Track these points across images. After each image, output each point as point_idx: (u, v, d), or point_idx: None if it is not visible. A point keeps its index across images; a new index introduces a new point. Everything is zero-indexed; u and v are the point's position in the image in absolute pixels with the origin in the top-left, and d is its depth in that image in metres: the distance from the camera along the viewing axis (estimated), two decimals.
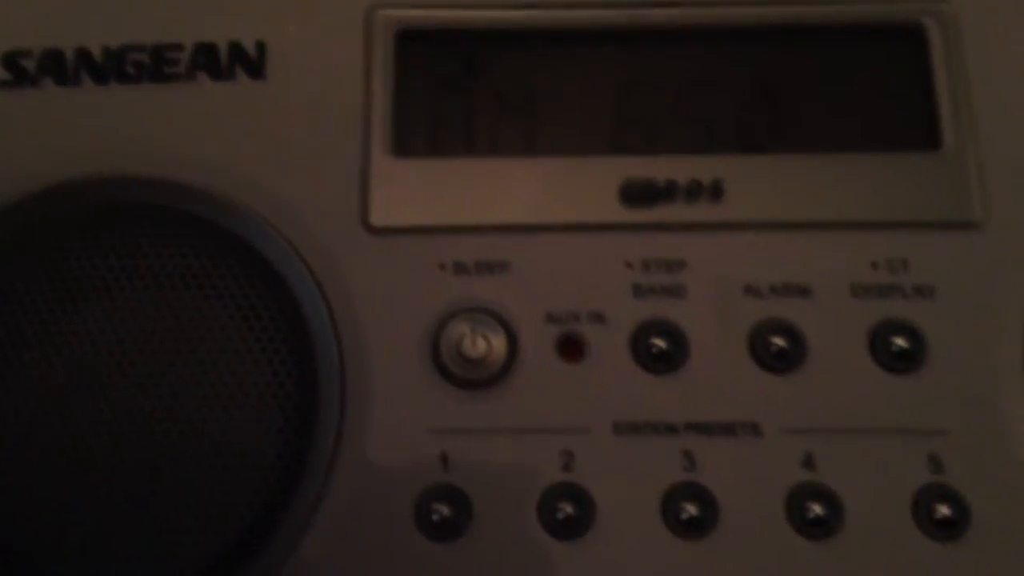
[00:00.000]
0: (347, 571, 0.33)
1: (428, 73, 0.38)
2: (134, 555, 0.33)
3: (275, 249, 0.35)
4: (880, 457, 0.33)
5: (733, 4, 0.38)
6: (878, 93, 0.37)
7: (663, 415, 0.34)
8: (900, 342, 0.34)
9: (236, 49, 0.38)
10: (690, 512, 0.33)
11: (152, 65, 0.38)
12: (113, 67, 0.38)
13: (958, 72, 0.37)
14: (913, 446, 0.34)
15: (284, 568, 0.33)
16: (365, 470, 0.34)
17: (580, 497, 0.33)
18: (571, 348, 0.35)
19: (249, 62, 0.38)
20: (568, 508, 0.33)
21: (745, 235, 0.36)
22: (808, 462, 0.34)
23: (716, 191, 0.36)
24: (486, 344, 0.34)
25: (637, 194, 0.36)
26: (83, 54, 0.38)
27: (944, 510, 0.33)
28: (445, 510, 0.33)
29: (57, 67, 0.38)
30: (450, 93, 0.38)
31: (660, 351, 0.34)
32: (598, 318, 0.35)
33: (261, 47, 0.38)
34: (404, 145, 0.37)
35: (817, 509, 0.33)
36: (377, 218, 0.36)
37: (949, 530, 0.33)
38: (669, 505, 0.33)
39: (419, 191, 0.36)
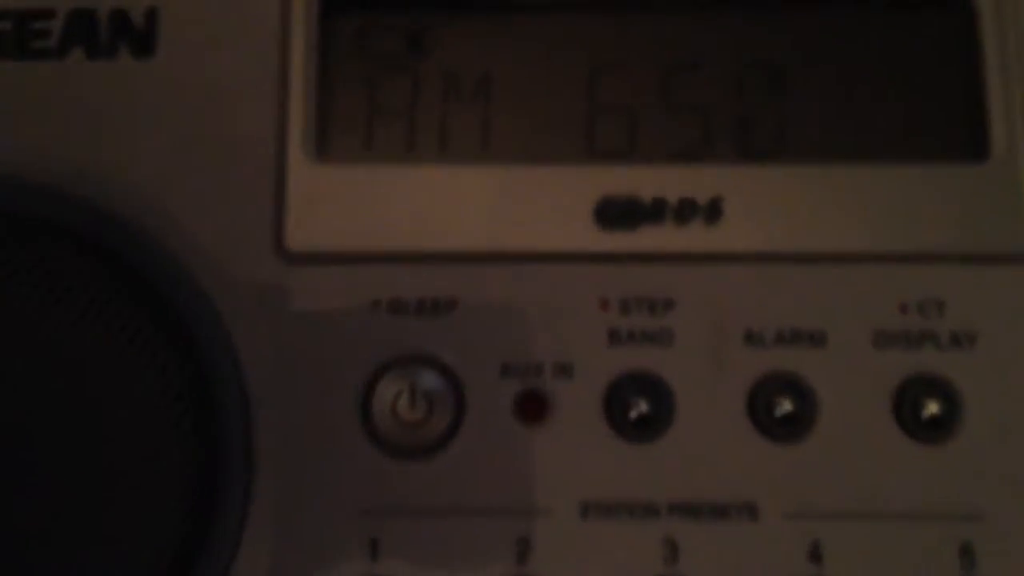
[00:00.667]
0: None
1: (361, 51, 0.30)
2: None
3: (167, 278, 0.28)
4: (902, 548, 0.27)
5: None
6: (911, 85, 0.30)
7: (641, 493, 0.27)
8: (932, 407, 0.28)
9: (119, 18, 0.30)
10: None
11: (15, 37, 0.30)
12: None
13: (1014, 59, 0.30)
14: (943, 534, 0.27)
15: None
16: (276, 560, 0.27)
17: None
18: (531, 408, 0.28)
19: (135, 35, 0.30)
20: None
21: (747, 268, 0.28)
22: (815, 553, 0.27)
23: (713, 212, 0.29)
24: (427, 403, 0.28)
25: (616, 214, 0.29)
26: None
27: None
28: None
29: None
30: (389, 77, 0.30)
31: (640, 414, 0.28)
32: (565, 371, 0.28)
33: (151, 16, 0.30)
34: (329, 146, 0.30)
35: None
36: (294, 241, 0.29)
37: None
38: None
39: (347, 206, 0.29)
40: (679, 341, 0.28)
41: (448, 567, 0.27)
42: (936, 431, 0.28)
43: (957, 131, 0.30)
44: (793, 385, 0.28)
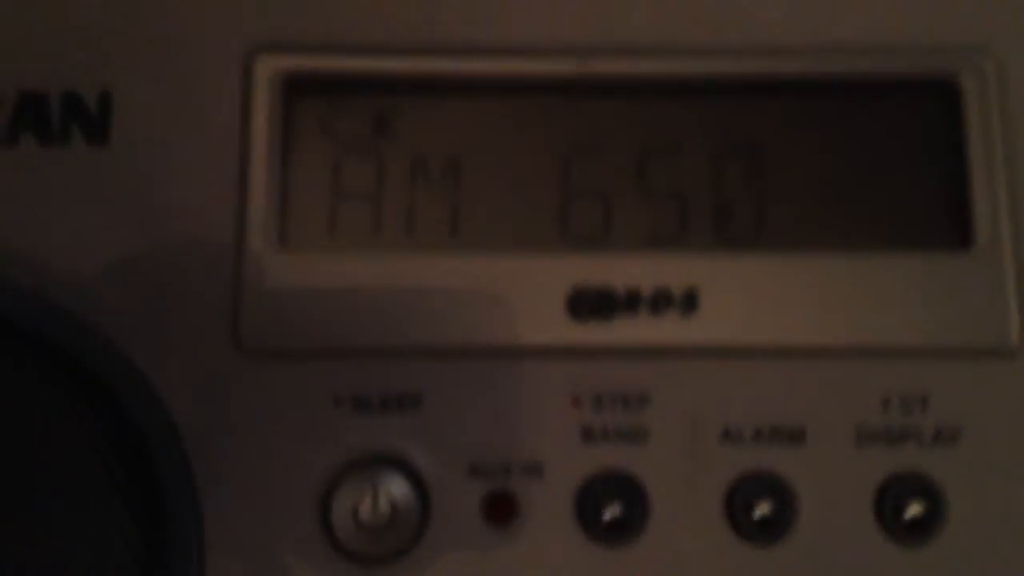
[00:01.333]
0: None
1: (325, 134, 0.29)
2: None
3: (118, 376, 0.27)
4: None
5: (708, 54, 0.29)
6: (892, 170, 0.29)
7: None
8: (915, 507, 0.26)
9: (72, 102, 0.28)
10: None
11: None
12: None
13: (998, 147, 0.29)
14: None
15: None
16: None
17: None
18: (500, 510, 0.26)
19: (89, 121, 0.28)
20: None
21: (723, 362, 0.27)
22: None
23: (688, 302, 0.28)
24: (390, 507, 0.26)
25: (589, 305, 0.28)
26: None
27: None
28: None
29: None
30: (353, 160, 0.29)
31: (614, 516, 0.26)
32: (535, 471, 0.27)
33: (105, 100, 0.28)
34: (291, 233, 0.28)
35: None
36: (252, 336, 0.27)
37: None
38: None
39: (309, 298, 0.27)
40: (654, 439, 0.27)
41: None
42: (919, 533, 0.26)
43: (940, 218, 0.29)
44: (772, 485, 0.26)
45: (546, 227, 0.28)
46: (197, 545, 0.26)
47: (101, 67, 0.28)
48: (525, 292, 0.28)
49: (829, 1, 0.29)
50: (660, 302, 0.27)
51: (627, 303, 0.28)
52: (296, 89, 0.29)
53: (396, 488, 0.26)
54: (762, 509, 0.26)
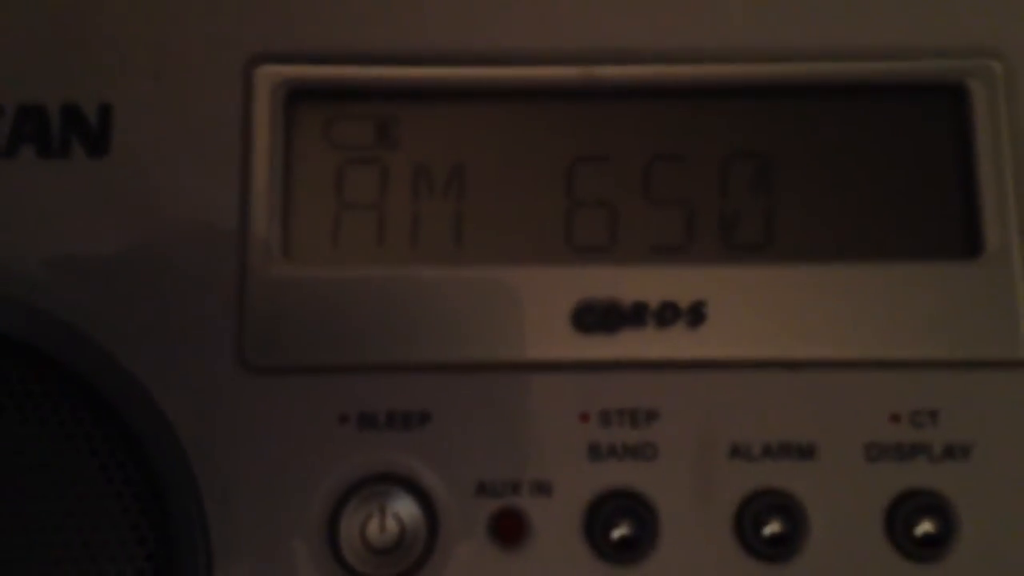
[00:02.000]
0: None
1: (328, 142, 0.28)
2: None
3: (121, 395, 0.26)
4: None
5: (713, 59, 0.28)
6: (901, 177, 0.28)
7: None
8: (926, 524, 0.26)
9: (71, 114, 0.27)
10: None
11: None
12: None
13: (1008, 154, 0.28)
14: None
15: None
16: None
17: None
18: (508, 528, 0.25)
19: (89, 133, 0.27)
20: None
21: (732, 375, 0.26)
22: None
23: (695, 315, 0.27)
24: (398, 527, 0.26)
25: (595, 319, 0.27)
26: None
27: None
28: None
29: None
30: (356, 170, 0.28)
31: (623, 535, 0.26)
32: (543, 489, 0.26)
33: (105, 112, 0.27)
34: (294, 245, 0.27)
35: None
36: (256, 353, 0.26)
37: None
38: None
39: (313, 313, 0.26)
40: (663, 455, 0.26)
41: None
42: (930, 550, 0.25)
43: (949, 225, 0.28)
44: (782, 502, 0.26)
45: (551, 238, 0.27)
46: (204, 567, 0.25)
47: (101, 79, 0.27)
48: (530, 305, 0.27)
49: (836, 6, 0.28)
50: (667, 315, 0.27)
51: (633, 316, 0.27)
52: (297, 99, 0.27)
53: (403, 507, 0.25)
54: (772, 527, 0.25)
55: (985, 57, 0.28)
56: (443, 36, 0.28)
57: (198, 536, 0.25)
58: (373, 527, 0.25)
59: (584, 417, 0.26)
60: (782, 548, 0.25)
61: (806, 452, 0.26)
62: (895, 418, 0.26)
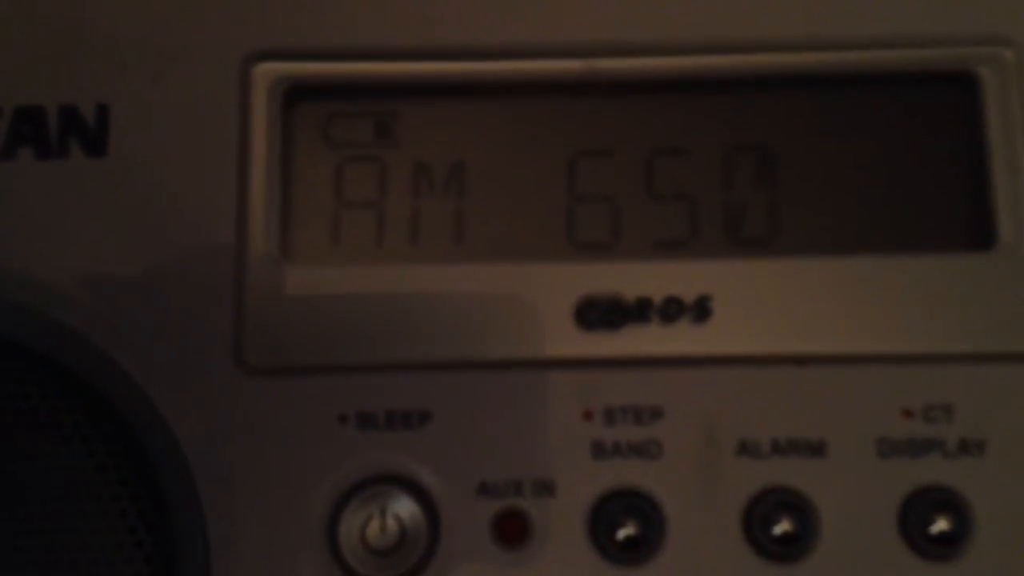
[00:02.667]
0: None
1: (327, 140, 0.27)
2: None
3: (121, 395, 0.25)
4: None
5: (715, 50, 0.27)
6: (910, 167, 0.27)
7: None
8: (941, 522, 0.24)
9: (69, 115, 0.27)
10: None
11: None
12: None
13: (1020, 142, 0.26)
14: None
15: None
16: None
17: None
18: (511, 529, 0.24)
19: (87, 133, 0.26)
20: None
21: (738, 371, 0.25)
22: None
23: (701, 310, 0.26)
24: (399, 528, 0.25)
25: (598, 315, 0.26)
26: None
27: None
28: None
29: None
30: (356, 167, 0.27)
31: (628, 535, 0.24)
32: (546, 488, 0.25)
33: (102, 113, 0.27)
34: (293, 244, 0.26)
35: None
36: (255, 353, 0.25)
37: None
38: None
39: (312, 312, 0.25)
40: (668, 454, 0.25)
41: None
42: (946, 548, 0.24)
43: (960, 216, 0.26)
44: (791, 501, 0.24)
45: (553, 234, 0.26)
46: (202, 569, 0.24)
47: (98, 80, 0.26)
48: (532, 302, 0.25)
49: None
50: (671, 310, 0.25)
51: (637, 312, 0.25)
52: (295, 96, 0.27)
53: (404, 508, 0.24)
54: (782, 526, 0.24)
55: (995, 45, 0.27)
56: (442, 31, 0.27)
57: (197, 538, 0.24)
58: (373, 528, 0.24)
59: (588, 415, 0.25)
60: (792, 547, 0.24)
61: (816, 449, 0.25)
62: (907, 413, 0.25)
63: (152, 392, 0.25)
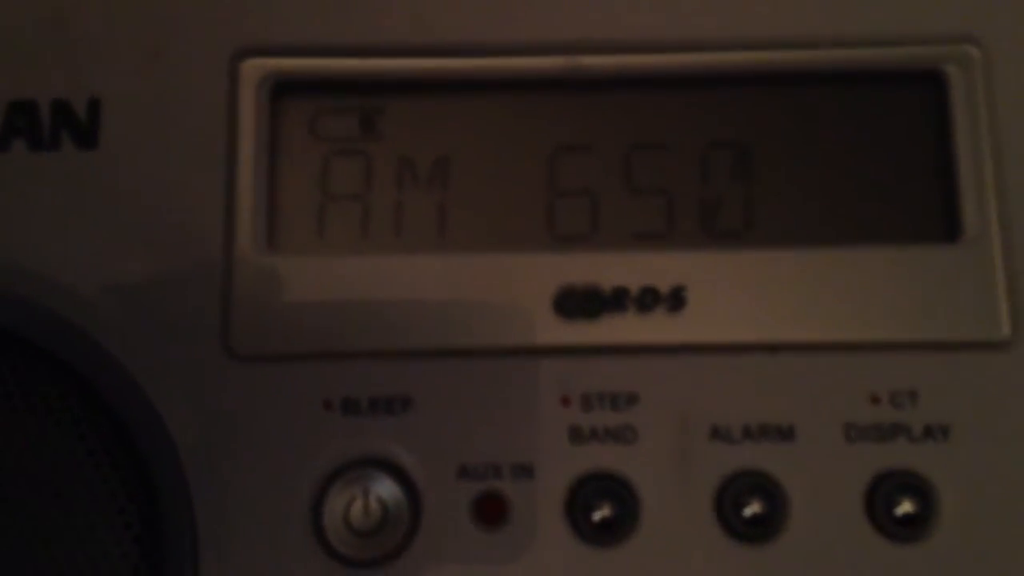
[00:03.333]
0: None
1: (312, 136, 0.27)
2: None
3: (109, 382, 0.25)
4: None
5: (693, 48, 0.27)
6: (880, 164, 0.27)
7: None
8: (906, 504, 0.25)
9: (61, 109, 0.27)
10: None
11: None
12: None
13: (986, 139, 0.27)
14: None
15: None
16: None
17: None
18: (490, 511, 0.25)
19: (78, 126, 0.26)
20: None
21: (711, 359, 0.25)
22: None
23: (676, 300, 0.26)
24: (381, 510, 0.25)
25: (576, 304, 0.26)
26: None
27: None
28: None
29: None
30: (341, 161, 0.27)
31: (603, 517, 0.25)
32: (525, 471, 0.25)
33: (94, 107, 0.27)
34: (279, 235, 0.26)
35: None
36: (242, 341, 0.25)
37: None
38: None
39: (297, 301, 0.26)
40: (643, 438, 0.25)
41: None
42: (911, 529, 0.25)
43: (927, 210, 0.27)
44: (762, 484, 0.25)
45: (533, 226, 0.27)
46: (190, 550, 0.24)
47: (89, 74, 0.27)
48: (512, 292, 0.26)
49: None
50: (647, 300, 0.26)
51: (614, 301, 0.26)
52: (282, 91, 0.27)
53: (386, 491, 0.25)
54: (752, 508, 0.25)
55: (963, 43, 0.27)
56: (427, 28, 0.27)
57: (185, 520, 0.24)
58: (357, 510, 0.24)
59: (566, 401, 0.25)
60: (762, 529, 0.25)
61: (786, 433, 0.25)
62: (875, 399, 0.25)
63: (141, 378, 0.25)
